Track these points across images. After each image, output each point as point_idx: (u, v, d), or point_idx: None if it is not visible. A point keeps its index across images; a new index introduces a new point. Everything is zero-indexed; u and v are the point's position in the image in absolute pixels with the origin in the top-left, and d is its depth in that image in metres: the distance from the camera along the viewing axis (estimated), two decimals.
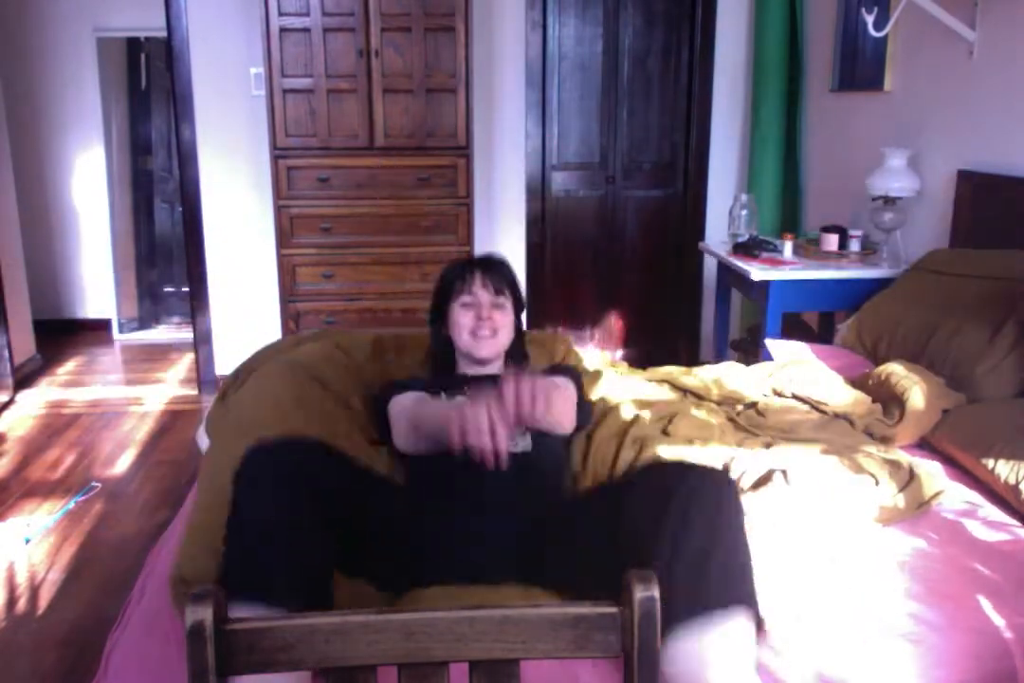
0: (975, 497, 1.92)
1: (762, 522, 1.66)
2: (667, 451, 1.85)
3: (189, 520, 1.64)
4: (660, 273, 4.56)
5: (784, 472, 1.79)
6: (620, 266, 4.53)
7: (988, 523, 1.79)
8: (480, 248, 4.12)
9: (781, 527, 1.66)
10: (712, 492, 1.35)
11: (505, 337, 1.90)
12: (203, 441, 2.12)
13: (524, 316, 2.05)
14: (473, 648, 0.81)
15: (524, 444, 1.69)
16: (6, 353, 4.11)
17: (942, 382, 2.25)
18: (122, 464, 3.43)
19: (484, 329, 1.85)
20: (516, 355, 2.00)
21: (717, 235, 4.21)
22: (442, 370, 1.97)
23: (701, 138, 4.36)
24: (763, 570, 1.51)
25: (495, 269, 1.93)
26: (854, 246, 3.24)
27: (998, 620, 1.45)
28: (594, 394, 2.15)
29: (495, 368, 1.93)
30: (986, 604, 1.49)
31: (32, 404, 4.10)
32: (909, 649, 1.40)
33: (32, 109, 5.10)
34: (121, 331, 5.37)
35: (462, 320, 1.86)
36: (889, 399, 2.22)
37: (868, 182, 3.11)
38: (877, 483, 1.81)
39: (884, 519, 1.77)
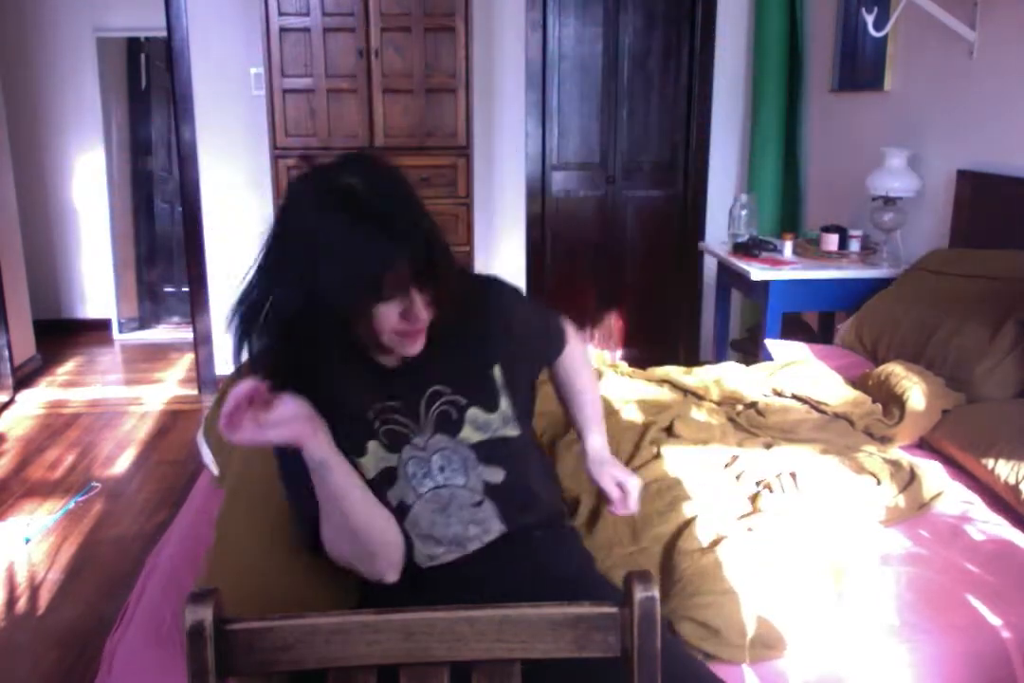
0: (975, 497, 1.92)
1: (767, 524, 1.66)
2: (672, 452, 1.85)
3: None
4: (660, 273, 4.55)
5: (793, 474, 1.78)
6: (620, 266, 4.52)
7: (987, 524, 1.78)
8: (480, 248, 4.11)
9: (785, 529, 1.66)
10: None
11: (430, 315, 1.24)
12: (203, 443, 2.11)
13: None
14: (473, 648, 0.81)
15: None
16: (6, 353, 4.11)
17: (942, 382, 2.25)
18: (122, 464, 3.43)
19: (415, 331, 1.24)
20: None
21: (717, 235, 4.20)
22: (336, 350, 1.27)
23: (701, 138, 4.36)
24: (764, 572, 1.51)
25: (400, 234, 1.13)
26: (854, 246, 3.23)
27: (996, 621, 1.45)
28: None
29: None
30: (984, 607, 1.49)
31: (32, 404, 4.10)
32: (907, 655, 1.40)
33: (32, 109, 5.10)
34: (121, 331, 5.37)
35: (385, 322, 1.21)
36: (889, 399, 2.22)
37: (868, 182, 3.11)
38: (879, 483, 1.81)
39: (885, 520, 1.76)
